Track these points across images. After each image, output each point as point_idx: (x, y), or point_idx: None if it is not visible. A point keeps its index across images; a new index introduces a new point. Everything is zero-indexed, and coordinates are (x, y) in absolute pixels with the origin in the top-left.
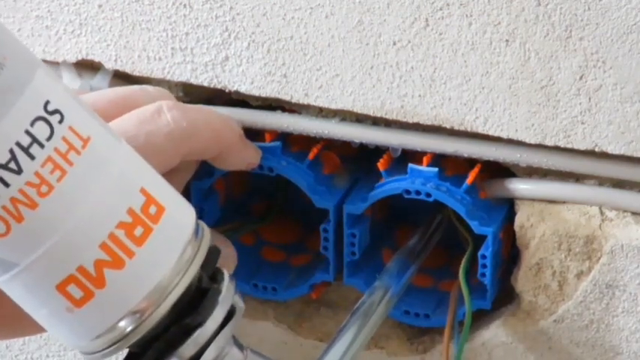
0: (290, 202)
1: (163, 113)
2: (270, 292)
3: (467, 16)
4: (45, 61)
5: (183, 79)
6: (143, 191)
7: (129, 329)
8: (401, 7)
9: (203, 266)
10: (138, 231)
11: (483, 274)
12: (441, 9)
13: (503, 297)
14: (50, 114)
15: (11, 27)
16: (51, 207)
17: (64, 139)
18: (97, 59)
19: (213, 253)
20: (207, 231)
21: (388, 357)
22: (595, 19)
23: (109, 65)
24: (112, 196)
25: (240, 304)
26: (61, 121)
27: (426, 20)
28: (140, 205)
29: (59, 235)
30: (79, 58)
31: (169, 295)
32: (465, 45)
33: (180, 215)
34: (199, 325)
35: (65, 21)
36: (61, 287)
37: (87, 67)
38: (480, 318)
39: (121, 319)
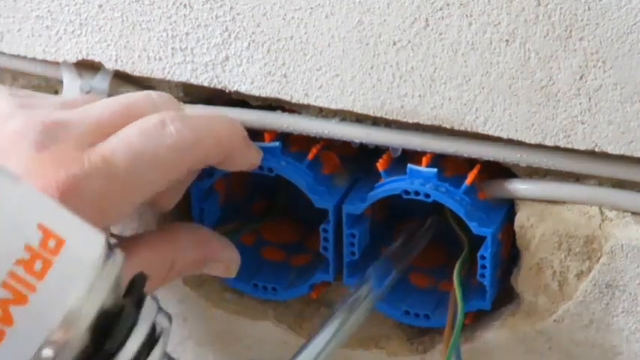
0: (290, 202)
1: (167, 125)
2: (270, 292)
3: (467, 16)
4: (45, 61)
5: (183, 79)
6: (40, 226)
7: (49, 359)
8: (401, 7)
9: (127, 293)
10: (37, 266)
11: (483, 275)
12: (441, 9)
13: (503, 297)
14: None
15: (11, 27)
16: None
17: None
18: (97, 59)
19: (138, 280)
20: (119, 257)
21: (388, 357)
22: (595, 19)
23: (110, 65)
24: (7, 236)
25: (164, 324)
26: None
27: (426, 20)
28: (38, 240)
29: None
30: (80, 58)
31: (80, 323)
32: (465, 45)
33: (82, 245)
34: (118, 349)
35: (65, 21)
36: None
37: (87, 67)
38: (480, 318)
39: (38, 352)
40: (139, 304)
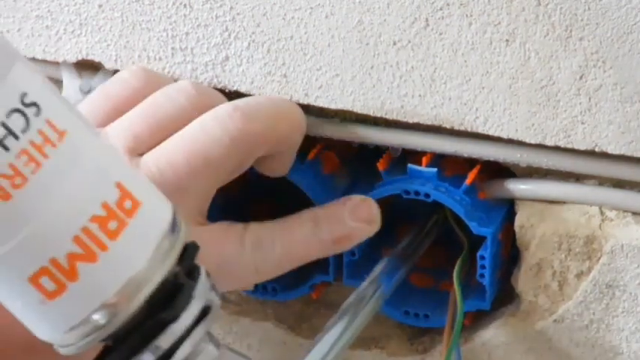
0: (291, 203)
1: (225, 122)
2: (270, 292)
3: (467, 16)
4: (45, 61)
5: (183, 79)
6: (119, 185)
7: (102, 322)
8: (401, 7)
9: (180, 262)
10: (112, 225)
11: (482, 275)
12: (441, 9)
13: (503, 297)
14: (27, 106)
15: (11, 27)
16: (24, 199)
17: (40, 131)
18: (97, 59)
19: (190, 249)
20: (184, 226)
21: (388, 357)
22: (595, 18)
23: (109, 65)
24: (87, 190)
25: (216, 301)
26: (37, 114)
27: (426, 20)
28: (115, 199)
29: (32, 227)
30: (79, 58)
31: (143, 289)
32: (465, 45)
33: (156, 210)
34: (173, 319)
35: (65, 21)
36: (34, 279)
37: (87, 67)
38: (480, 318)
39: (94, 312)
40: (189, 274)
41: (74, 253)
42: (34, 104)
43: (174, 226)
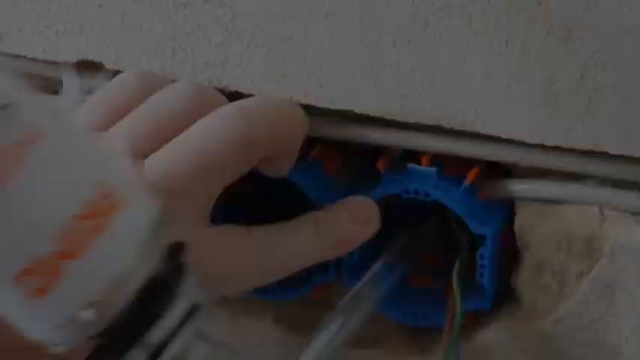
0: (291, 203)
1: (226, 124)
2: (270, 292)
3: (467, 16)
4: (45, 61)
5: (183, 79)
6: (101, 183)
7: (90, 319)
8: (401, 7)
9: (167, 260)
10: (95, 223)
11: (482, 275)
12: (441, 9)
13: (503, 297)
14: (4, 107)
15: (11, 27)
16: (5, 199)
17: (20, 132)
18: (97, 59)
19: (177, 247)
20: (170, 225)
21: (387, 357)
22: (595, 19)
23: (109, 65)
24: (68, 189)
25: (202, 298)
26: (15, 115)
27: (426, 20)
28: (98, 197)
29: (14, 227)
30: (79, 58)
31: (129, 286)
32: (465, 45)
33: (140, 208)
34: (160, 316)
35: (65, 21)
36: (18, 279)
37: (87, 67)
38: (480, 318)
39: (81, 310)
40: (177, 272)
41: (58, 252)
42: (10, 105)
43: (159, 224)
